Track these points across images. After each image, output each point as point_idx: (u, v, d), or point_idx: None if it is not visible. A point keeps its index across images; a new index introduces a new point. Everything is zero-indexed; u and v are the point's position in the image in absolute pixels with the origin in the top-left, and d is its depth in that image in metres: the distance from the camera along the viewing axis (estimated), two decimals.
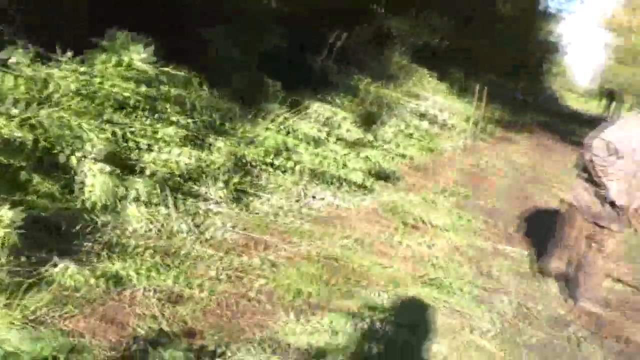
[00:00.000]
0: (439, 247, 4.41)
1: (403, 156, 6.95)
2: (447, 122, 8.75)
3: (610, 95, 21.46)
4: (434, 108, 8.67)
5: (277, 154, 4.97)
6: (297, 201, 4.68)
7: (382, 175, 5.93)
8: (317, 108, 5.65)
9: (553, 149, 11.16)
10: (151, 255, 3.09)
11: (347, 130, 5.65)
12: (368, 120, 6.73)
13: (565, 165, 9.49)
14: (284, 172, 4.95)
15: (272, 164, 4.92)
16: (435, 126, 8.58)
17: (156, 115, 4.22)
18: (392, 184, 5.97)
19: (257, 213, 4.20)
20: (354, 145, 5.79)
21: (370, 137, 6.58)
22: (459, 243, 4.60)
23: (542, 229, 5.47)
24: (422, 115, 8.49)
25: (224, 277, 3.13)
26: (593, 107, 27.76)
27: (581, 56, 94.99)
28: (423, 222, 4.79)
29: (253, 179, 4.65)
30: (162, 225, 3.49)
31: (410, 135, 7.60)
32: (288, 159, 4.99)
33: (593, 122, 18.38)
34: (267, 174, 4.82)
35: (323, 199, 4.85)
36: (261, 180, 4.70)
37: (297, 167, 4.99)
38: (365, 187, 5.37)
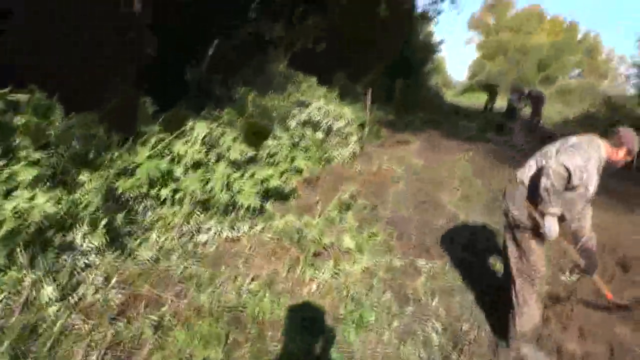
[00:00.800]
0: (351, 273, 4.01)
1: (298, 171, 6.55)
2: (338, 129, 8.45)
3: (489, 89, 22.58)
4: (323, 115, 8.34)
5: (157, 183, 4.35)
6: (181, 237, 4.08)
7: (277, 195, 5.48)
8: (200, 126, 5.06)
9: (444, 147, 11.26)
10: None
11: (235, 149, 5.11)
12: (257, 136, 6.25)
13: (458, 162, 9.62)
14: (165, 203, 4.34)
15: (151, 196, 4.28)
16: (326, 134, 8.27)
17: (2, 152, 3.49)
18: (289, 204, 5.54)
19: (136, 258, 3.56)
20: (243, 164, 5.28)
21: (260, 153, 6.11)
22: (372, 264, 4.26)
23: (454, 236, 5.34)
24: (313, 125, 8.15)
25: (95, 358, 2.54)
26: (472, 101, 29.17)
27: (454, 54, 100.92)
28: (328, 247, 4.38)
29: (130, 216, 3.99)
30: (14, 294, 2.80)
31: (304, 148, 7.22)
32: (169, 188, 4.38)
33: (475, 116, 19.28)
34: (146, 209, 4.18)
35: (213, 231, 4.27)
36: (140, 217, 4.05)
37: (181, 197, 4.41)
38: (259, 211, 4.91)
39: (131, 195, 4.12)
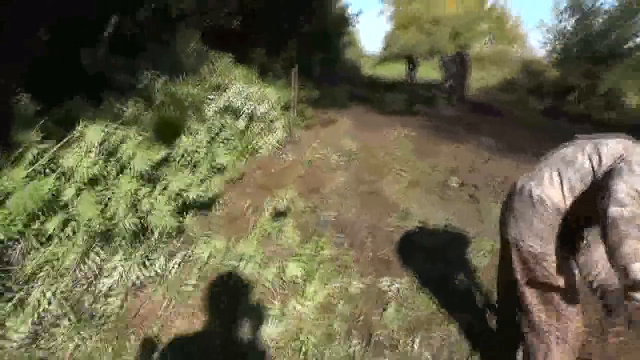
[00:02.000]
0: (303, 315, 3.17)
1: (220, 170, 5.58)
2: (262, 114, 7.49)
3: (410, 60, 22.25)
4: (244, 100, 7.36)
5: (39, 214, 3.29)
6: (75, 287, 3.06)
7: (199, 206, 4.53)
8: (94, 130, 3.96)
9: (375, 123, 10.54)
10: None
11: (140, 156, 4.05)
12: (168, 132, 5.23)
13: (395, 141, 8.95)
14: (52, 240, 3.28)
15: (31, 233, 3.23)
16: (249, 121, 7.29)
17: None
18: (213, 214, 4.62)
19: (4, 338, 2.53)
20: (154, 172, 4.27)
21: (175, 153, 5.09)
22: (327, 295, 3.41)
23: (414, 240, 4.61)
24: (233, 111, 7.14)
25: None
26: (390, 71, 28.83)
27: (366, 25, 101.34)
28: (269, 281, 3.51)
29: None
30: None
31: (225, 140, 6.24)
32: (57, 219, 3.30)
33: (397, 87, 18.82)
34: (23, 253, 3.11)
35: (118, 272, 3.24)
36: (14, 266, 2.99)
37: (73, 229, 3.36)
38: (177, 231, 3.95)
39: (3, 234, 3.03)
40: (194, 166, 5.16)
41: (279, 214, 4.67)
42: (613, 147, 2.15)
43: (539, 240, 2.26)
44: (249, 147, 6.71)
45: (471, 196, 6.00)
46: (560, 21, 19.00)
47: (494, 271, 3.79)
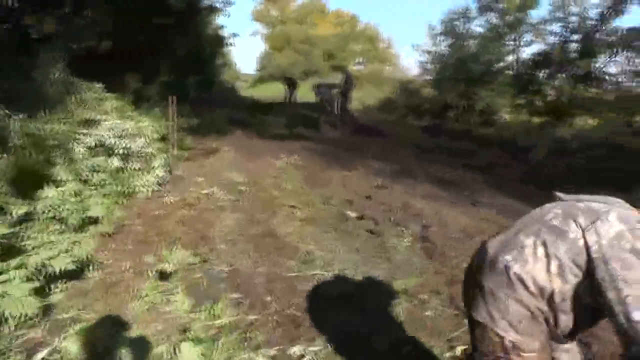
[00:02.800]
0: None
1: (92, 222, 4.87)
2: (138, 150, 6.81)
3: (289, 81, 22.16)
4: (117, 135, 6.64)
5: None
6: None
7: (67, 277, 3.81)
8: None
9: (259, 150, 10.12)
10: None
11: None
12: (27, 183, 4.46)
13: (283, 170, 8.60)
14: None
15: None
16: (124, 160, 6.58)
17: None
18: (88, 281, 3.94)
19: None
20: (6, 240, 3.52)
21: (39, 207, 4.35)
22: None
23: (323, 291, 4.22)
24: (106, 149, 6.41)
25: None
26: (266, 93, 28.61)
27: (240, 46, 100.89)
28: None
29: None
30: None
31: (97, 185, 5.51)
32: None
33: (279, 109, 18.55)
34: None
35: None
36: None
37: None
38: (39, 319, 3.24)
39: None
40: (62, 224, 4.43)
41: (163, 276, 4.08)
42: (615, 228, 1.69)
43: (514, 330, 1.82)
44: (126, 190, 6.00)
45: (372, 232, 5.78)
46: (434, 44, 20.04)
47: (414, 321, 3.54)
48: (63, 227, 4.47)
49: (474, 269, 2.03)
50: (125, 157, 6.62)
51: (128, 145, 6.61)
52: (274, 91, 26.46)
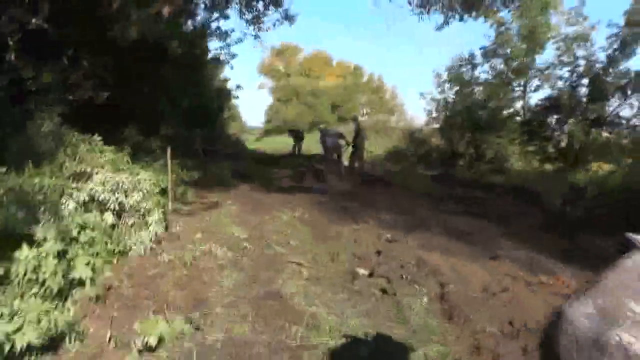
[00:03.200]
0: None
1: (77, 285, 4.41)
2: (133, 204, 6.37)
3: (295, 134, 22.04)
4: (111, 189, 6.23)
5: None
6: None
7: (40, 350, 3.33)
8: None
9: (263, 204, 9.68)
10: None
11: None
12: (4, 242, 4.03)
13: (288, 224, 8.15)
14: None
15: None
16: (118, 216, 6.15)
17: None
18: (67, 356, 3.45)
19: None
20: None
21: (14, 270, 3.90)
22: None
23: None
24: (99, 205, 6.00)
25: None
26: (272, 145, 28.54)
27: (247, 99, 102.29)
28: None
29: None
30: None
31: (87, 243, 5.06)
32: None
33: (285, 162, 18.27)
34: None
35: None
36: None
37: None
38: None
39: None
40: (41, 286, 3.97)
41: (150, 347, 3.58)
42: None
43: None
44: (118, 248, 5.55)
45: (384, 291, 5.27)
46: (441, 91, 19.90)
47: None
48: (43, 291, 4.00)
49: (560, 348, 1.56)
50: (119, 212, 6.20)
51: (122, 200, 6.20)
52: (281, 144, 26.38)
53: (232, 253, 6.25)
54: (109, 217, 5.92)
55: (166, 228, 6.88)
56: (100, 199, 6.01)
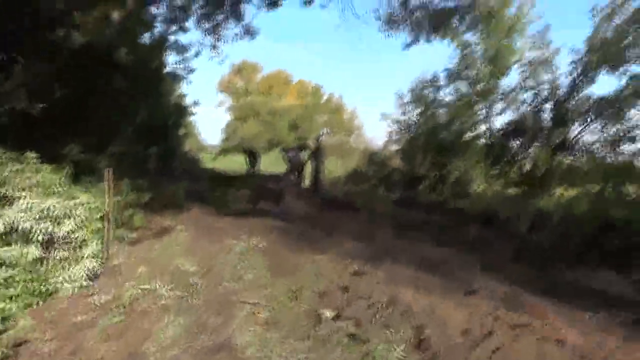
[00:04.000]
0: None
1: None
2: (65, 235, 5.51)
3: (251, 152, 21.33)
4: (38, 217, 5.36)
5: None
6: None
7: None
8: None
9: (218, 230, 8.85)
10: None
11: None
12: None
13: (243, 255, 7.37)
14: None
15: None
16: (46, 248, 5.29)
17: None
18: None
19: None
20: None
21: None
22: None
23: None
24: (22, 236, 5.13)
25: None
26: (229, 165, 27.66)
27: (205, 116, 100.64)
28: None
29: None
30: None
31: (3, 284, 4.21)
32: None
33: (242, 182, 17.46)
34: None
35: None
36: None
37: None
38: None
39: None
40: None
41: None
42: None
43: None
44: (42, 289, 4.70)
45: (353, 336, 4.59)
46: (403, 112, 19.52)
47: None
48: None
49: None
50: (47, 244, 5.34)
51: (51, 229, 5.34)
52: (238, 163, 25.55)
53: (179, 291, 5.45)
54: (34, 251, 5.06)
55: (105, 261, 6.02)
56: (22, 228, 5.13)
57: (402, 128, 19.64)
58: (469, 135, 17.88)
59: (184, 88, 24.75)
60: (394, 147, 20.45)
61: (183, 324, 4.62)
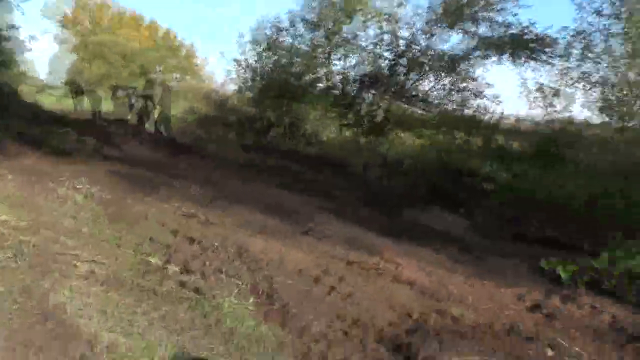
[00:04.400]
0: None
1: None
2: None
3: (77, 90, 19.45)
4: None
5: None
6: None
7: None
8: None
9: (48, 176, 7.82)
10: None
11: None
12: None
13: (65, 203, 6.64)
14: None
15: None
16: None
17: None
18: None
19: None
20: None
21: None
22: None
23: None
24: None
25: None
26: (53, 102, 24.83)
27: (38, 49, 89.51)
28: None
29: None
30: None
31: None
32: None
33: (75, 122, 15.68)
34: None
35: None
36: None
37: None
38: None
39: None
40: None
41: None
42: None
43: None
44: None
45: (200, 290, 4.36)
46: (242, 52, 19.01)
47: None
48: None
49: None
50: None
51: None
52: (66, 103, 22.68)
53: (2, 252, 4.74)
54: None
55: None
56: None
57: (243, 68, 19.17)
58: (318, 85, 17.96)
59: (17, 19, 21.75)
60: (232, 87, 20.12)
61: (2, 292, 3.99)
